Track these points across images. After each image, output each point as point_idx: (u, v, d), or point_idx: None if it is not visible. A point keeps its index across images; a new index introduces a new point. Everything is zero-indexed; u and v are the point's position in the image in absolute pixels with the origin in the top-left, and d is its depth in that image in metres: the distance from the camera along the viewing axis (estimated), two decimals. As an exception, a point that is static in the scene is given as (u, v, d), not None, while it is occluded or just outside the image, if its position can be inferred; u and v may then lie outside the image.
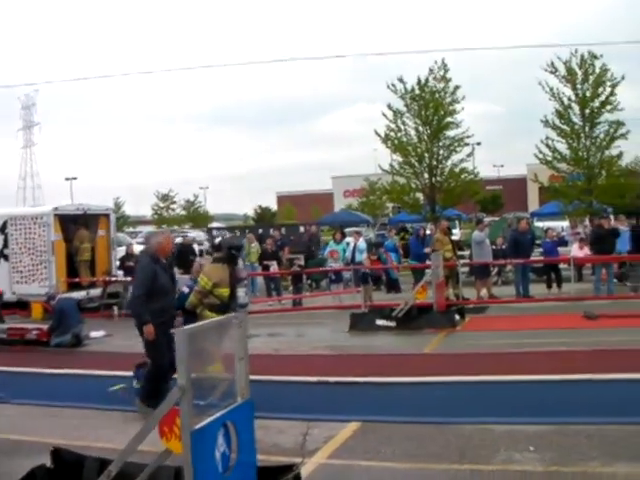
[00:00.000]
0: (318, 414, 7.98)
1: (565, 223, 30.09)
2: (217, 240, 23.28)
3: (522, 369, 9.51)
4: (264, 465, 5.31)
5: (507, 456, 6.42)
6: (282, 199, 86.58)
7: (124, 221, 73.20)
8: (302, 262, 22.99)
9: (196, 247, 30.89)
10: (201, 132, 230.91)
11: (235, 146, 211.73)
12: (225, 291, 9.20)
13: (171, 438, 4.89)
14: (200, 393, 4.88)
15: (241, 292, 9.57)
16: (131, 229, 63.77)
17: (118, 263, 21.20)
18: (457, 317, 14.85)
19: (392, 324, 14.36)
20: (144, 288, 8.25)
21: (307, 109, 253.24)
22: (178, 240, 28.26)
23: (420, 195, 34.47)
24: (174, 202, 79.56)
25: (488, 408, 7.94)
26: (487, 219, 28.46)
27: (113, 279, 19.67)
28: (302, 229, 34.98)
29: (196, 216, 79.22)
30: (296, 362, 11.29)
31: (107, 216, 20.90)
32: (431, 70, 32.72)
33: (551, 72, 29.72)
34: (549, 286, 19.09)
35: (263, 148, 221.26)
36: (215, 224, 67.61)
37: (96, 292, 19.43)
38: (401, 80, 32.72)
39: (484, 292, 18.41)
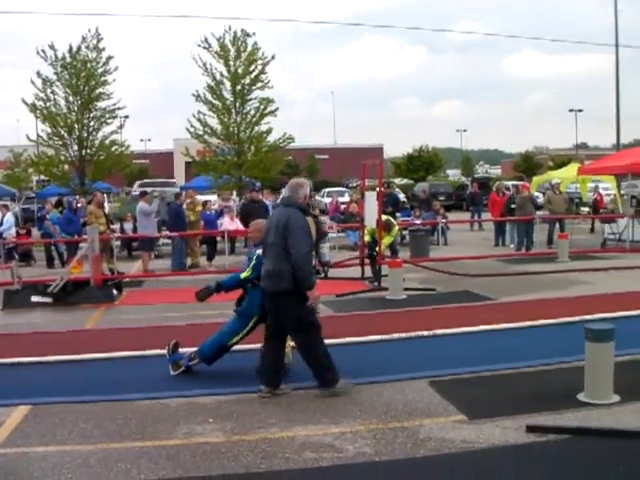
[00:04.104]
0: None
1: (214, 197, 31.00)
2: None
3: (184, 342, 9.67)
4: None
5: (188, 429, 6.47)
6: None
7: None
8: None
9: None
10: None
11: None
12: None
13: None
14: None
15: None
16: None
17: None
18: (115, 292, 14.72)
19: (48, 300, 13.85)
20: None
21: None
22: None
23: (69, 167, 33.37)
24: None
25: (160, 383, 7.95)
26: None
27: None
28: None
29: None
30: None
31: None
32: (84, 38, 31.78)
33: (205, 47, 30.43)
34: (210, 259, 19.41)
35: None
36: None
37: None
38: (52, 47, 31.38)
39: (139, 265, 18.38)
